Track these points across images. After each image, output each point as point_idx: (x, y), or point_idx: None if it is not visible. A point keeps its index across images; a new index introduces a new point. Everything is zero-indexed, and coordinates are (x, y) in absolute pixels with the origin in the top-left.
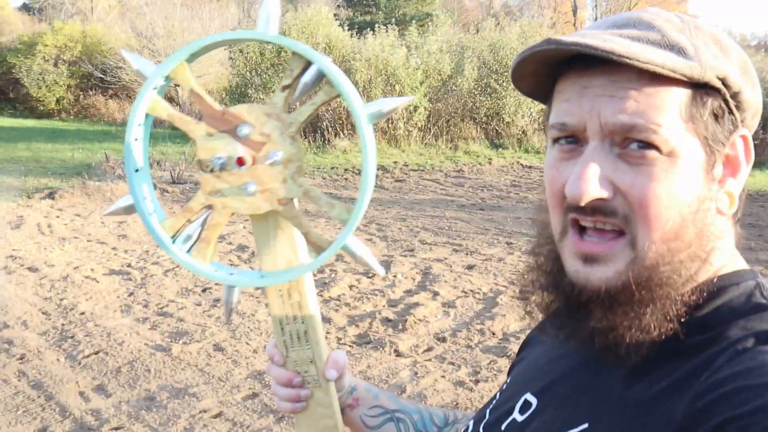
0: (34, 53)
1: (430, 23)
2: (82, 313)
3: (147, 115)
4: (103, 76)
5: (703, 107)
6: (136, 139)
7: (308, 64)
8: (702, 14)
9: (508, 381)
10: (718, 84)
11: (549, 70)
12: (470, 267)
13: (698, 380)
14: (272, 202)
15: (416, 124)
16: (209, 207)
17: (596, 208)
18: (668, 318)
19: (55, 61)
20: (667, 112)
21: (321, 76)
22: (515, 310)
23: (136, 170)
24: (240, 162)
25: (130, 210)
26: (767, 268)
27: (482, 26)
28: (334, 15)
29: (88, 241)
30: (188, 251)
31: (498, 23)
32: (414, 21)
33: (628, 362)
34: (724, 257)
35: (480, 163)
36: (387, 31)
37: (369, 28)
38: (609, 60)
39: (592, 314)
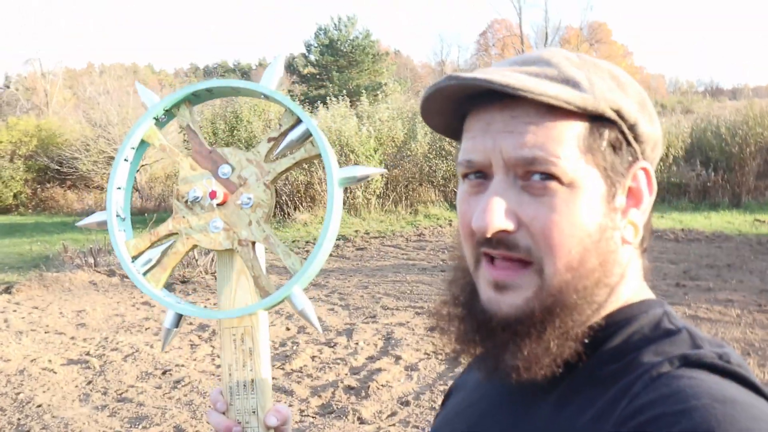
0: None
1: (381, 92)
2: (39, 406)
3: (142, 142)
4: (59, 168)
5: (600, 138)
6: (125, 160)
7: (297, 122)
8: (648, 65)
9: (431, 430)
10: (613, 115)
11: (455, 107)
12: (432, 329)
13: (618, 408)
14: (233, 242)
15: (374, 191)
16: (174, 235)
17: (501, 241)
18: (570, 339)
19: (11, 157)
20: (565, 144)
21: (306, 136)
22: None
23: (118, 188)
24: (212, 195)
25: (102, 225)
26: (726, 307)
27: None
28: (289, 91)
29: (45, 332)
30: (144, 273)
31: None
32: (366, 91)
33: (532, 382)
34: (633, 288)
35: (440, 225)
36: (338, 102)
37: (321, 102)
38: (508, 94)
39: (499, 339)
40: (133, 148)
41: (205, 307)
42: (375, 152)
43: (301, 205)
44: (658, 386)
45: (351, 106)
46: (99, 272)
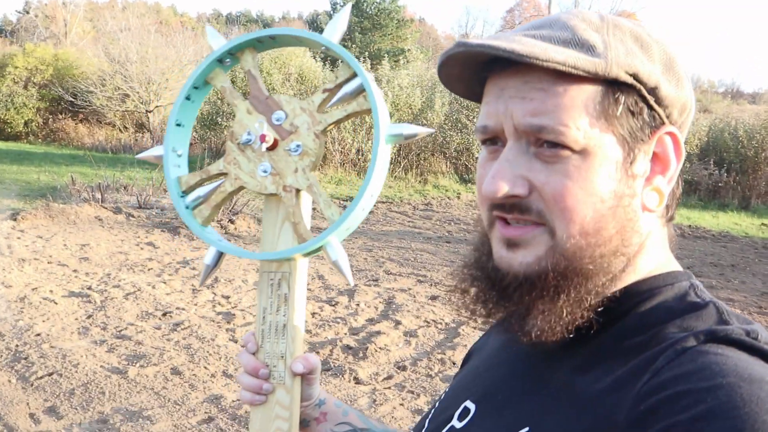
0: (4, 75)
1: (403, 58)
2: (38, 335)
3: (206, 83)
4: (73, 100)
5: (615, 104)
6: (187, 98)
7: (353, 76)
8: None
9: (447, 390)
10: (629, 80)
11: (474, 73)
12: (434, 297)
13: (640, 381)
14: (278, 187)
15: None
16: (224, 175)
17: (513, 205)
18: (583, 307)
19: (25, 84)
20: (576, 110)
21: (360, 91)
22: (477, 337)
23: (177, 124)
24: (263, 138)
25: (159, 159)
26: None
27: None
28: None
29: (48, 262)
30: (192, 209)
31: None
32: (387, 56)
33: (543, 345)
34: (657, 259)
35: (449, 197)
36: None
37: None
38: (516, 61)
39: (511, 298)
40: (196, 88)
41: None
42: (390, 117)
43: None
44: (682, 361)
45: (371, 69)
46: (105, 208)
